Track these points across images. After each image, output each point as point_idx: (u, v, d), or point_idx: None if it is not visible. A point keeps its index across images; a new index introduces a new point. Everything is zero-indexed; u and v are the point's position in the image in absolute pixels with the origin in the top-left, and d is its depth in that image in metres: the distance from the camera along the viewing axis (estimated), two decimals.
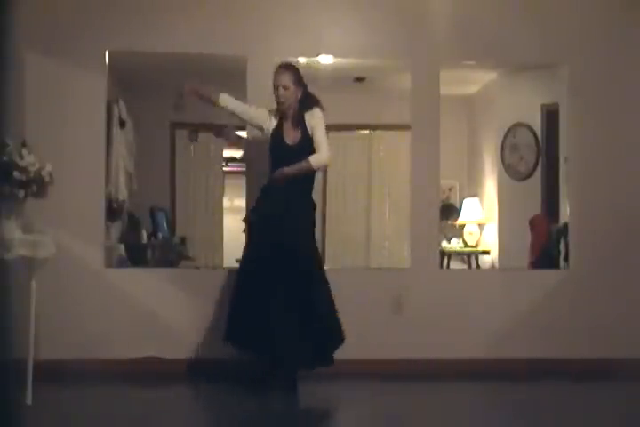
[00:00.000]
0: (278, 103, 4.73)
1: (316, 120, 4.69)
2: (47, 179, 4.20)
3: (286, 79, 4.69)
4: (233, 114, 4.84)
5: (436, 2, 5.53)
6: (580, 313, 5.47)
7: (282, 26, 5.35)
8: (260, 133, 4.92)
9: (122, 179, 5.40)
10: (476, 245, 6.06)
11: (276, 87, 4.70)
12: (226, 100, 4.78)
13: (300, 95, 4.73)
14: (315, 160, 4.64)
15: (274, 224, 4.59)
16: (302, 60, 5.47)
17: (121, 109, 5.38)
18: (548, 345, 5.39)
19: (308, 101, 4.73)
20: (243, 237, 4.82)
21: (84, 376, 4.91)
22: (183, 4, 5.31)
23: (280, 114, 4.77)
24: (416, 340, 5.31)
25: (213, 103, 4.78)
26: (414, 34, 5.50)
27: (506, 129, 5.95)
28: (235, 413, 4.33)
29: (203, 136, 5.69)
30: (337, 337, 4.69)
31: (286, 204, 4.63)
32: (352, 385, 4.95)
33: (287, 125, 4.75)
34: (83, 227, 5.15)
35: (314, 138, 4.67)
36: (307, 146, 4.67)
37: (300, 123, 4.70)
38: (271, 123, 4.78)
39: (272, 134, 4.76)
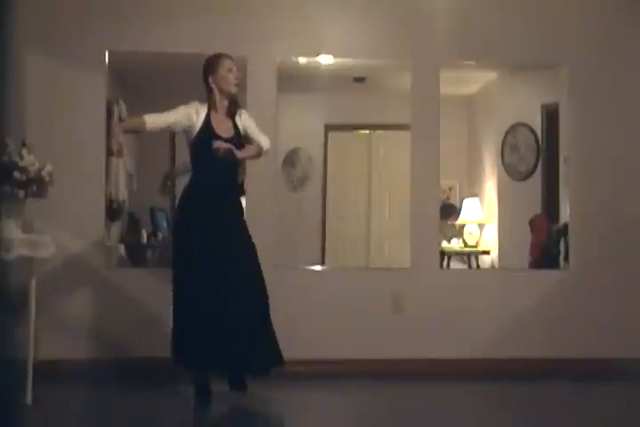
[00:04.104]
0: (234, 85, 4.50)
1: (249, 119, 4.59)
2: (47, 179, 4.21)
3: (235, 66, 4.53)
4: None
5: (436, 2, 5.53)
6: (579, 313, 5.47)
7: (282, 26, 5.35)
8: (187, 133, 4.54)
9: (122, 179, 5.40)
10: (476, 245, 6.05)
11: (229, 69, 4.48)
12: (153, 122, 4.37)
13: None
14: (265, 143, 4.59)
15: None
16: (302, 60, 5.48)
17: (121, 109, 5.38)
18: (548, 345, 5.40)
19: (238, 101, 4.61)
20: None
21: (84, 376, 4.92)
22: (183, 5, 5.32)
23: (211, 104, 4.50)
24: (416, 340, 5.31)
25: (141, 130, 4.43)
26: (414, 34, 5.50)
27: (506, 129, 5.95)
28: (234, 412, 4.34)
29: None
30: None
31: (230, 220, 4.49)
32: (352, 385, 4.95)
33: (219, 117, 4.50)
34: (83, 227, 5.15)
35: (251, 131, 4.56)
36: (238, 140, 4.50)
37: (232, 116, 4.54)
38: (199, 117, 4.46)
39: (201, 128, 4.44)
